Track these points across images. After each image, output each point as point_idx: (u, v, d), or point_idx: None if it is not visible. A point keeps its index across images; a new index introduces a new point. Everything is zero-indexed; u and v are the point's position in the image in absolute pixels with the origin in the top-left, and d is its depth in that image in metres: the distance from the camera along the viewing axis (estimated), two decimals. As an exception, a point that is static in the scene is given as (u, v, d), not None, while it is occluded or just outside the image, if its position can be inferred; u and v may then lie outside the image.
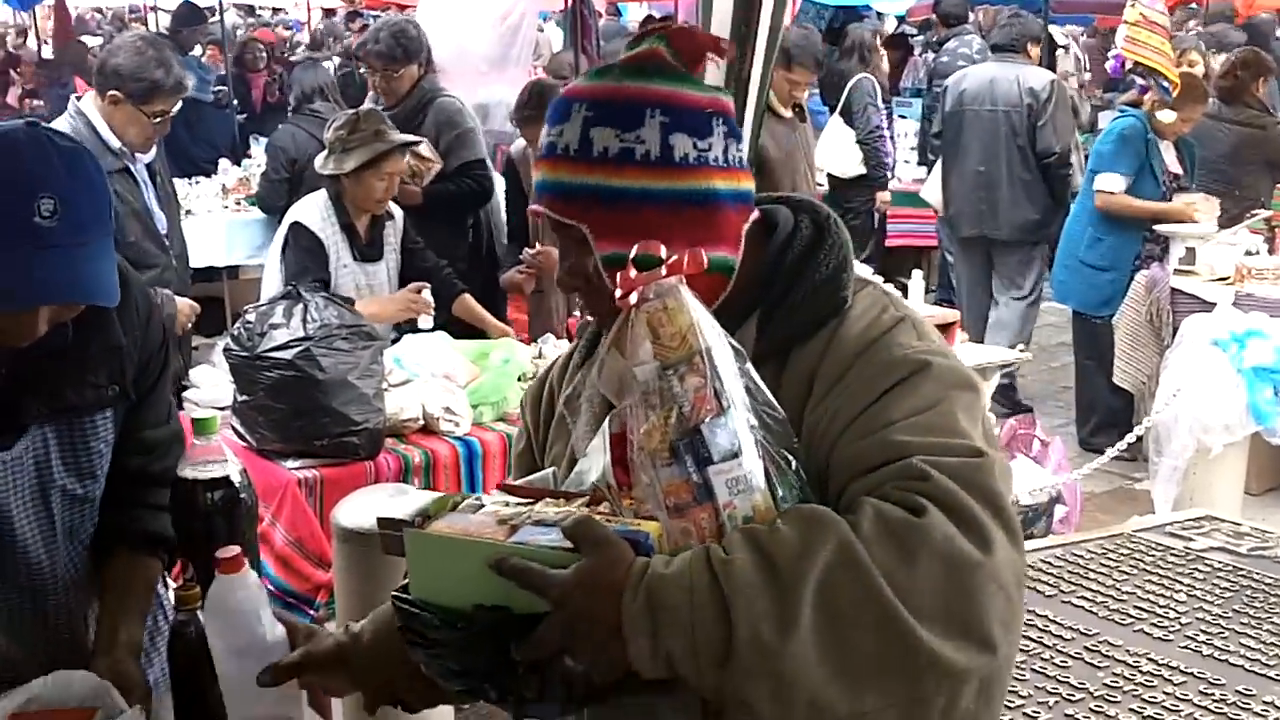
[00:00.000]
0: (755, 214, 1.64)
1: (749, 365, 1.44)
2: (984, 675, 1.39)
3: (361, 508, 3.40)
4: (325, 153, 4.80)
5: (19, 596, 2.18)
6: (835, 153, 9.13)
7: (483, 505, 1.52)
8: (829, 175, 9.12)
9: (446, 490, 3.94)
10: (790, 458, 1.45)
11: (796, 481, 1.45)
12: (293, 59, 14.46)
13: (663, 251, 1.45)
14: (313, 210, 4.75)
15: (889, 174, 9.28)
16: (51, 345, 2.04)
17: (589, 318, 1.79)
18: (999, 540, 1.40)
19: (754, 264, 1.62)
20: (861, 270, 1.78)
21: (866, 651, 1.32)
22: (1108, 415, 6.96)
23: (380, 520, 1.50)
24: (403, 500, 1.57)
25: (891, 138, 9.37)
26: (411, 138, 5.12)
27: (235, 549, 1.98)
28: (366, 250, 4.83)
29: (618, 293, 1.46)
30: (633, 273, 1.46)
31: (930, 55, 11.43)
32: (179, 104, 4.71)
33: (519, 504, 1.52)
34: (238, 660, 1.98)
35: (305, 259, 4.66)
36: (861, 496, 1.41)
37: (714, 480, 1.38)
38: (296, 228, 4.72)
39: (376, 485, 3.76)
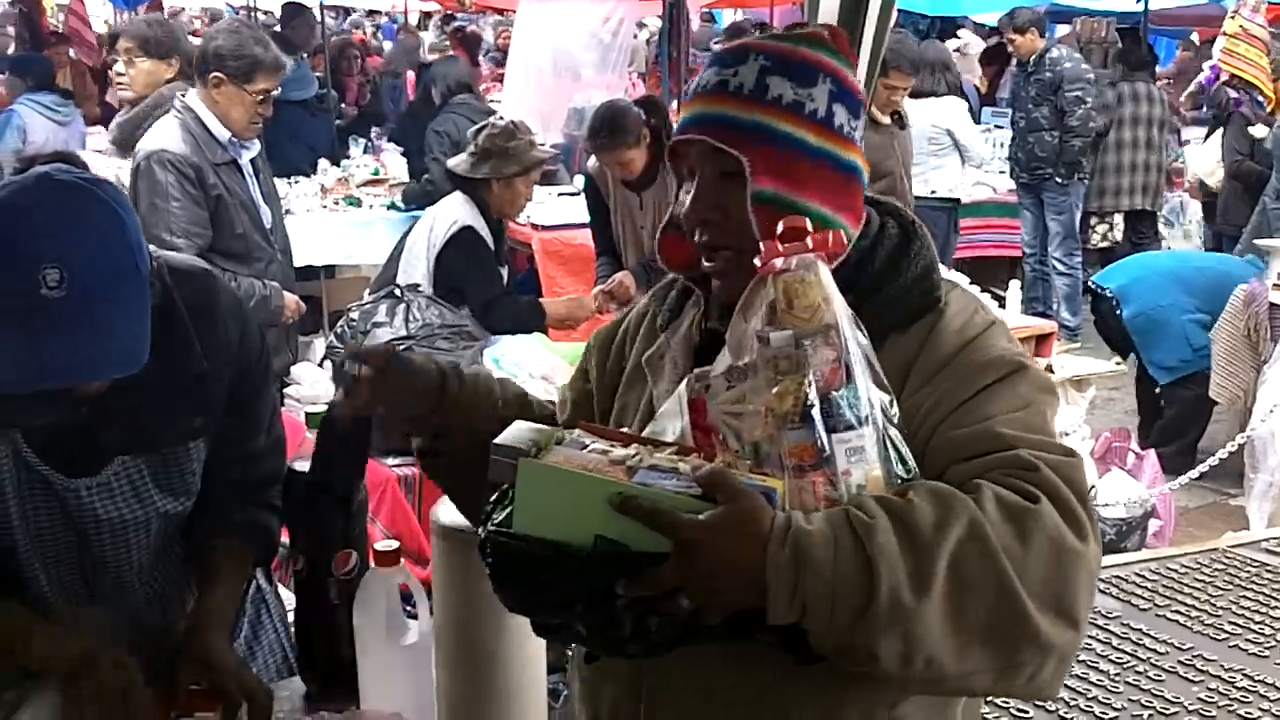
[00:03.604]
0: None
1: (869, 344, 1.51)
2: (1065, 652, 1.48)
3: (460, 505, 3.46)
4: (474, 157, 4.95)
5: (113, 615, 2.19)
6: (1207, 163, 9.17)
7: (586, 444, 1.54)
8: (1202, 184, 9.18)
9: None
10: (898, 434, 1.52)
11: (901, 456, 1.51)
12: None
13: (808, 224, 1.52)
14: (469, 214, 4.90)
15: None
16: (131, 381, 1.92)
17: (672, 276, 1.88)
18: (1091, 534, 1.50)
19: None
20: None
21: (981, 619, 1.42)
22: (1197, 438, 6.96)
23: (495, 446, 1.52)
24: (509, 430, 1.60)
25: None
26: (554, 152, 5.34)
27: (394, 543, 2.06)
28: (500, 253, 5.05)
29: (761, 254, 1.51)
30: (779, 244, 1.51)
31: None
32: (279, 87, 4.81)
33: (618, 446, 1.54)
34: (381, 651, 2.05)
35: (490, 261, 4.90)
36: (975, 480, 1.50)
37: (836, 447, 1.45)
38: (470, 233, 4.87)
39: (474, 483, 3.82)
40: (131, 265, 1.86)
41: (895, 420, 1.52)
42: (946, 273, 1.87)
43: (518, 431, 1.55)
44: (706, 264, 1.71)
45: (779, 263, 1.49)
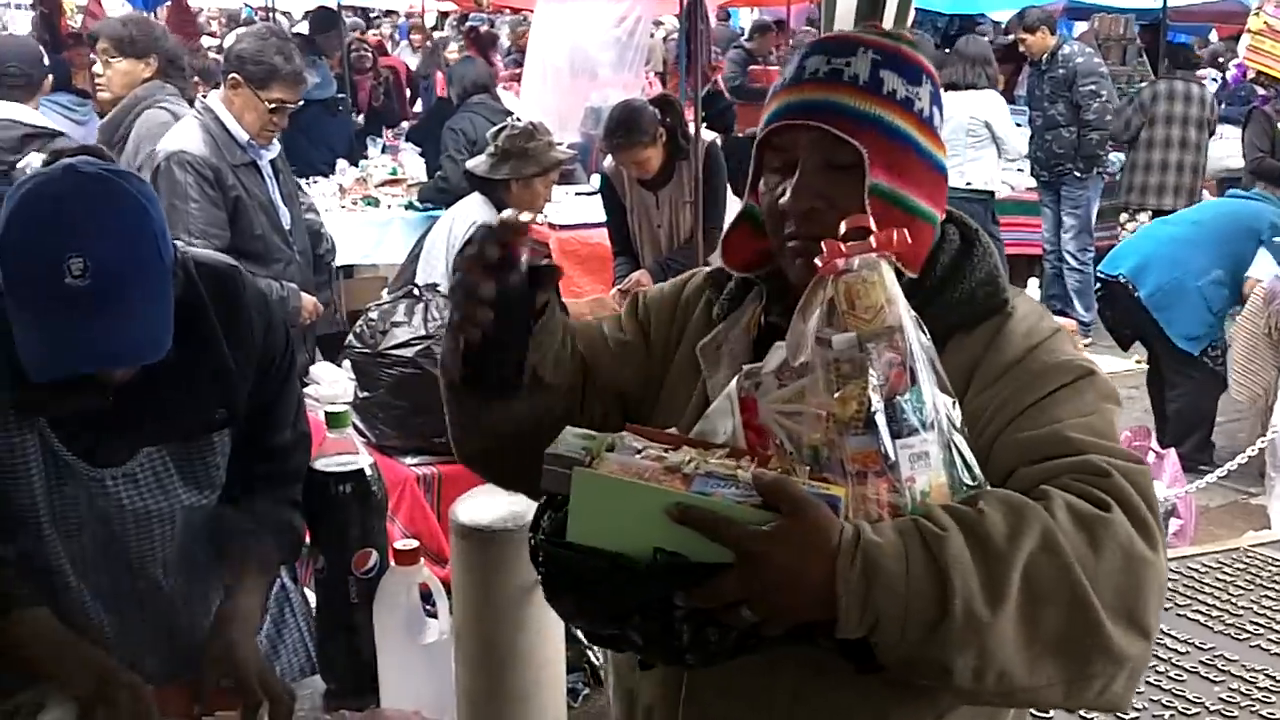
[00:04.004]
0: None
1: (932, 347, 1.47)
2: (1137, 664, 1.46)
3: (479, 505, 3.45)
4: (493, 158, 4.96)
5: (141, 610, 2.21)
6: None
7: (639, 450, 1.49)
8: None
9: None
10: (962, 439, 1.48)
11: (967, 463, 1.47)
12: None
13: (873, 224, 1.48)
14: (489, 214, 4.89)
15: None
16: (155, 371, 1.98)
17: (720, 267, 1.82)
18: (1160, 543, 1.47)
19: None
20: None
21: (1054, 630, 1.39)
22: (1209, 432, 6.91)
23: (548, 456, 1.48)
24: (560, 438, 1.56)
25: None
26: (572, 153, 5.32)
27: (414, 542, 2.05)
28: None
29: (822, 254, 1.46)
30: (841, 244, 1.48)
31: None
32: (300, 101, 4.81)
33: (670, 451, 1.49)
34: (401, 649, 2.06)
35: None
36: (1044, 486, 1.47)
37: (900, 453, 1.41)
38: None
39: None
40: (155, 255, 1.89)
41: (959, 425, 1.49)
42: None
43: (568, 439, 1.51)
44: (792, 243, 1.64)
45: (840, 262, 1.45)
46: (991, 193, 9.02)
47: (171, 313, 1.93)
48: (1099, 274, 7.30)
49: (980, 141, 8.90)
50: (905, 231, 1.48)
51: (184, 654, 2.18)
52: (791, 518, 1.36)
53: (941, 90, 1.71)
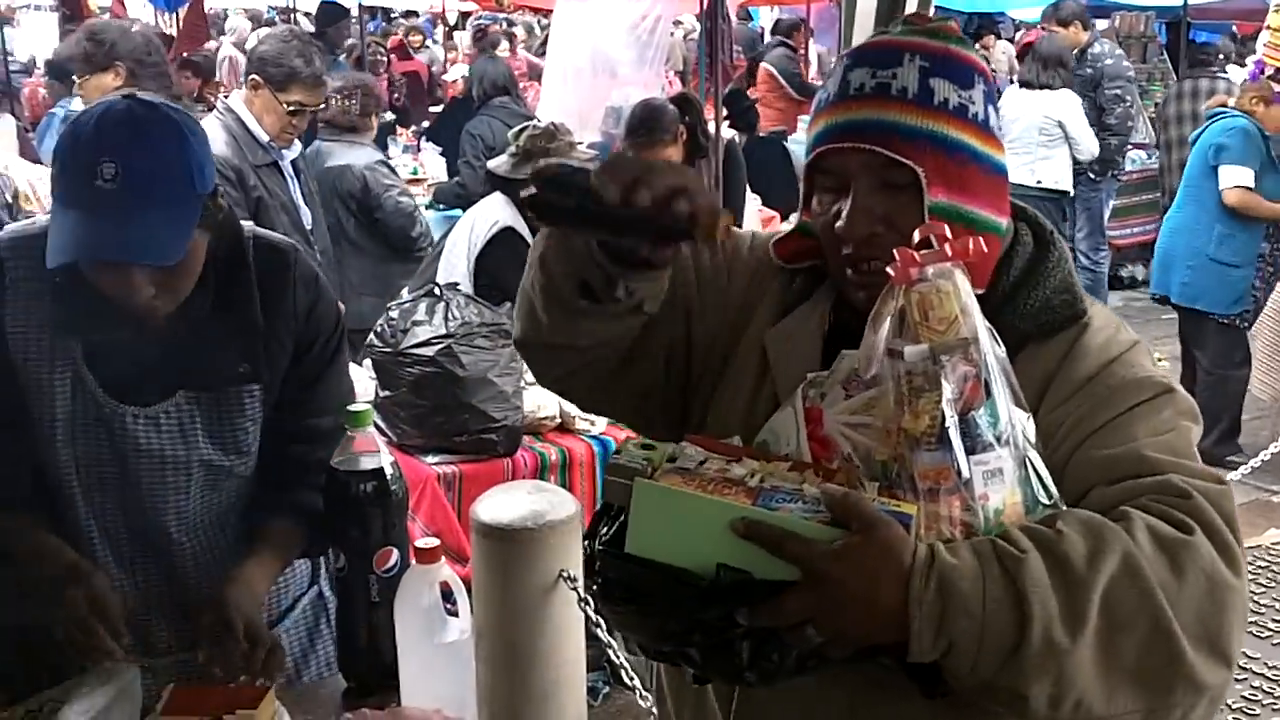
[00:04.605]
0: None
1: (1006, 359, 1.43)
2: (1218, 693, 1.41)
3: (500, 504, 3.46)
4: (514, 158, 4.96)
5: (154, 566, 2.26)
6: None
7: (701, 461, 1.46)
8: None
9: (582, 488, 4.01)
10: (1038, 456, 1.44)
11: (1043, 482, 1.44)
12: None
13: (947, 232, 1.42)
14: (510, 214, 4.90)
15: None
16: (189, 317, 2.14)
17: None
18: (1243, 566, 1.43)
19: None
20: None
21: (1134, 658, 1.35)
22: (1232, 425, 6.90)
23: (610, 467, 1.46)
24: (624, 448, 1.53)
25: None
26: (593, 153, 5.31)
27: (435, 541, 2.07)
28: None
29: (895, 265, 1.41)
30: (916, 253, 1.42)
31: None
32: (321, 104, 4.82)
33: (732, 463, 1.46)
34: (422, 648, 2.07)
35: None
36: (1124, 507, 1.42)
37: (974, 469, 1.37)
38: (511, 233, 4.87)
39: (514, 482, 3.83)
40: (185, 179, 2.05)
41: (1034, 441, 1.45)
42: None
43: (629, 451, 1.49)
44: (854, 275, 1.59)
45: (914, 272, 1.40)
46: (1064, 192, 8.97)
47: (189, 232, 2.05)
48: (1152, 297, 7.35)
49: (1053, 141, 8.83)
50: (980, 239, 1.42)
51: (189, 615, 2.22)
52: (862, 535, 1.32)
53: (994, 84, 1.63)
